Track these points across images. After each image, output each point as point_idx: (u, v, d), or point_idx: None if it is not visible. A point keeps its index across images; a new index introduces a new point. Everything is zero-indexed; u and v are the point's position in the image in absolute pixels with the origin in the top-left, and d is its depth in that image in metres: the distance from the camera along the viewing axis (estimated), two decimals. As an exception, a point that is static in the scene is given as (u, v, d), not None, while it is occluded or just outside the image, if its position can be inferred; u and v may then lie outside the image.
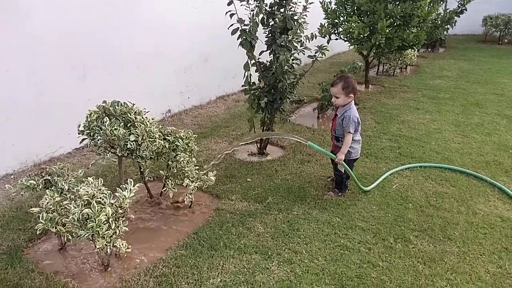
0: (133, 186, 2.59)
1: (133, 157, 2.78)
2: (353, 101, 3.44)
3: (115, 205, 2.46)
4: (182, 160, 3.25)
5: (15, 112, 3.87)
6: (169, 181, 3.36)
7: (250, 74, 4.04)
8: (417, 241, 3.02)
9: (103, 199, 2.42)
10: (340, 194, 3.66)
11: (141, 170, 3.39)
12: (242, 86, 4.09)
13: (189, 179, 3.25)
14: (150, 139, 2.79)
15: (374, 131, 5.25)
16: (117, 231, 2.53)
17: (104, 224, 2.38)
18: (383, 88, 7.51)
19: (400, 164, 4.30)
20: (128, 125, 2.78)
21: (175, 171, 3.35)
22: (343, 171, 3.52)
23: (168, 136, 3.30)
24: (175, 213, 3.35)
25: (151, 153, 2.91)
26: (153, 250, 2.87)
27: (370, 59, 7.52)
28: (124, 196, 2.51)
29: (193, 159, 3.48)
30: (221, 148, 3.43)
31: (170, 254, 2.80)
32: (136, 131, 2.70)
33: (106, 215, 2.38)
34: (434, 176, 4.03)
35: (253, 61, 3.97)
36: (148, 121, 2.90)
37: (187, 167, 3.27)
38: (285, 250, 2.89)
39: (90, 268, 2.67)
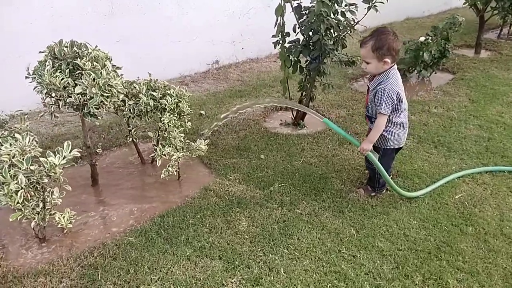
0: (70, 152, 2.07)
1: (82, 113, 2.22)
2: (393, 68, 2.36)
3: (38, 173, 1.96)
4: (167, 123, 2.63)
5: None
6: (160, 146, 2.78)
7: (284, 22, 3.13)
8: (459, 290, 2.01)
9: (19, 165, 1.94)
10: (373, 194, 2.70)
11: (129, 129, 2.87)
12: (273, 36, 3.21)
13: (173, 147, 2.63)
14: (105, 93, 2.19)
15: (461, 112, 3.93)
16: (46, 204, 2.07)
17: (16, 194, 1.92)
18: (499, 56, 5.75)
19: (481, 163, 3.07)
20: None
21: (166, 135, 2.76)
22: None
23: (155, 92, 2.68)
24: (157, 186, 2.80)
25: (132, 111, 2.34)
26: (104, 229, 2.38)
27: (489, 15, 5.75)
28: (53, 163, 2.00)
29: (188, 123, 2.84)
30: (228, 110, 2.71)
31: (116, 239, 2.27)
32: (82, 82, 2.12)
33: (18, 184, 1.91)
34: (527, 190, 2.77)
35: (289, 2, 3.04)
36: (111, 71, 2.29)
37: (172, 132, 2.64)
38: (259, 262, 2.15)
39: (26, 240, 2.28)
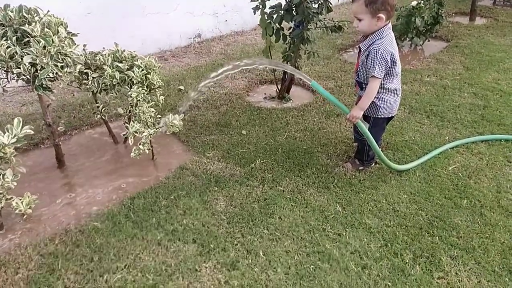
0: (21, 129, 1.85)
1: (34, 86, 1.99)
2: (387, 26, 2.13)
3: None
4: (136, 97, 2.41)
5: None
6: (132, 123, 2.56)
7: (263, -15, 2.88)
8: (453, 267, 1.85)
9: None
10: (361, 168, 2.52)
11: (97, 105, 2.65)
12: (251, 0, 2.96)
13: (143, 123, 2.41)
14: (59, 63, 1.96)
15: (455, 80, 3.72)
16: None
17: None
18: (494, 22, 5.51)
19: (476, 132, 2.89)
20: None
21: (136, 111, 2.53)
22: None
23: (121, 63, 2.45)
24: (129, 166, 2.59)
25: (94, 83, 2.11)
26: (68, 214, 2.18)
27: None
28: (2, 142, 1.79)
29: (160, 97, 2.62)
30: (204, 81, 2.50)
31: (81, 225, 2.08)
32: (31, 50, 1.88)
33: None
34: (525, 159, 2.60)
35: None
36: (66, 38, 2.05)
37: (141, 106, 2.42)
38: (236, 245, 1.97)
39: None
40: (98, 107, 2.63)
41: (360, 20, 2.11)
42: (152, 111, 2.48)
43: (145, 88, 2.46)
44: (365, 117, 2.33)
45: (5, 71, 1.95)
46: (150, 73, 2.48)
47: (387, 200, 2.26)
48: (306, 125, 3.00)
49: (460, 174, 2.46)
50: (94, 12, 3.83)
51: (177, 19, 4.51)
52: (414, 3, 4.18)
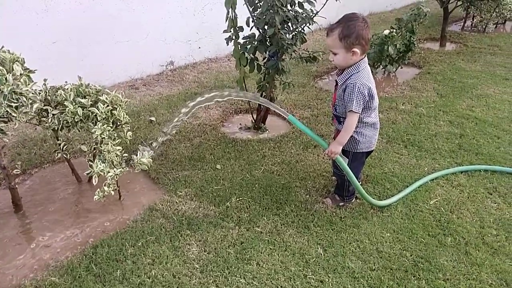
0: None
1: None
2: (363, 60, 2.07)
3: None
4: (100, 135, 2.23)
5: None
6: (96, 161, 2.37)
7: (236, 15, 2.80)
8: (442, 316, 1.73)
9: None
10: (341, 203, 2.41)
11: (58, 142, 2.45)
12: (224, 31, 2.87)
13: (107, 163, 2.23)
14: (13, 103, 1.78)
15: (430, 108, 3.72)
16: None
17: None
18: (464, 48, 5.65)
19: (455, 163, 2.85)
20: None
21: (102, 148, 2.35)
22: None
23: (85, 99, 2.28)
24: (94, 209, 2.39)
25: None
26: (24, 267, 1.97)
27: (452, 6, 5.65)
28: None
29: (128, 133, 2.45)
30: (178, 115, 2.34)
31: (37, 280, 1.87)
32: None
33: None
34: (505, 190, 2.55)
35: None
36: (22, 75, 1.88)
37: (107, 144, 2.25)
38: (210, 298, 1.80)
39: None
40: (59, 144, 2.44)
41: (335, 54, 2.04)
42: (118, 149, 2.31)
43: (111, 125, 2.30)
44: (344, 152, 2.24)
45: None
46: (116, 108, 2.32)
47: (370, 239, 2.15)
48: (283, 158, 2.89)
49: (442, 208, 2.38)
50: (62, 39, 3.66)
51: (148, 46, 4.39)
52: (386, 31, 4.21)
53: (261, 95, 3.23)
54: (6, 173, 2.17)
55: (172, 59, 4.71)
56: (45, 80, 2.38)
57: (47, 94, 2.30)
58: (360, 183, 2.45)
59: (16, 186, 2.28)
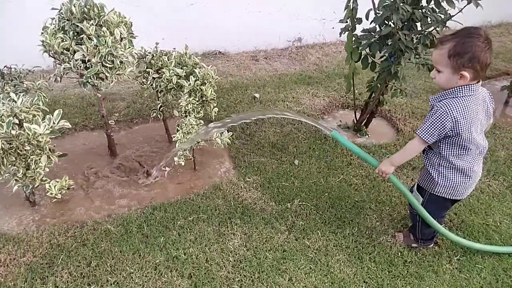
0: (58, 122, 1.91)
1: (81, 83, 2.03)
2: (471, 87, 1.64)
3: (18, 139, 1.85)
4: (185, 106, 2.33)
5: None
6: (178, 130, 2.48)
7: (357, 5, 2.52)
8: None
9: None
10: (414, 245, 2.08)
11: (157, 102, 2.65)
12: (340, 21, 2.62)
13: (185, 134, 2.33)
14: (107, 64, 1.96)
15: None
16: (28, 171, 1.98)
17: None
18: None
19: None
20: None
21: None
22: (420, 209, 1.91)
23: (181, 69, 2.38)
24: (169, 172, 2.54)
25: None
26: (94, 206, 2.24)
27: None
28: (34, 130, 1.86)
29: (214, 109, 2.49)
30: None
31: (97, 222, 2.10)
32: (82, 48, 1.90)
33: (-6, 148, 1.82)
34: None
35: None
36: (124, 38, 2.04)
37: (190, 117, 2.33)
38: (229, 296, 1.78)
39: (20, 203, 2.24)
40: (158, 105, 2.64)
41: (439, 71, 1.67)
42: (201, 123, 2.37)
43: (197, 99, 2.37)
44: (420, 189, 1.91)
45: (58, 63, 2.02)
46: (205, 84, 2.37)
47: (428, 298, 1.82)
48: (369, 171, 2.60)
49: (545, 294, 1.86)
50: (184, 9, 3.87)
51: (280, 19, 4.33)
52: None
53: (370, 96, 2.92)
54: (105, 121, 2.45)
55: (301, 35, 4.59)
56: (156, 43, 2.56)
57: (153, 57, 2.48)
58: (443, 226, 2.07)
59: (112, 134, 2.56)
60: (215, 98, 2.43)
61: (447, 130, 1.64)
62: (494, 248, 2.04)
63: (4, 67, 2.22)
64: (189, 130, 2.31)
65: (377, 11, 2.44)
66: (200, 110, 2.40)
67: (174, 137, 2.37)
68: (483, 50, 1.55)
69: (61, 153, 2.16)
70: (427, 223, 1.91)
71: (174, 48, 2.57)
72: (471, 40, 1.56)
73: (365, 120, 3.04)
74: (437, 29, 2.32)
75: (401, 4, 2.14)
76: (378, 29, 2.55)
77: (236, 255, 1.98)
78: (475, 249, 2.03)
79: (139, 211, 2.20)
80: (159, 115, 2.65)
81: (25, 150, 1.90)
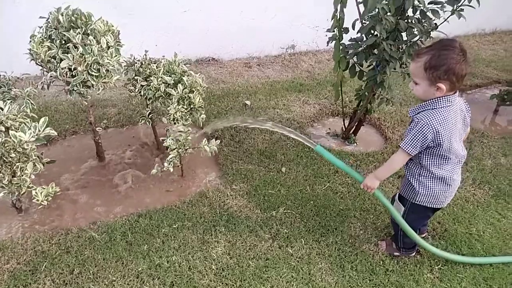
0: (43, 129, 1.93)
1: (67, 91, 2.06)
2: (448, 98, 1.66)
3: (4, 147, 1.87)
4: (173, 114, 2.35)
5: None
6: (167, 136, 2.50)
7: (343, 15, 2.55)
8: None
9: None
10: (396, 254, 2.10)
11: (146, 109, 2.67)
12: (327, 30, 2.65)
13: (174, 141, 2.35)
14: (93, 72, 1.98)
15: None
16: (14, 178, 2.00)
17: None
18: None
19: None
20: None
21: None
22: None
23: (170, 77, 2.41)
24: (156, 178, 2.56)
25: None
26: (79, 214, 2.26)
27: None
28: (19, 138, 1.88)
29: (201, 116, 2.52)
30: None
31: (82, 229, 2.12)
32: (67, 56, 1.93)
33: (-21, 156, 1.84)
34: None
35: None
36: (110, 47, 2.06)
37: (178, 124, 2.35)
38: (209, 304, 1.79)
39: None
40: (148, 113, 2.66)
41: (416, 83, 1.69)
42: (188, 130, 2.39)
43: (185, 106, 2.39)
44: (402, 199, 1.93)
45: (45, 70, 2.04)
46: (193, 92, 2.39)
47: (407, 308, 1.83)
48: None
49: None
50: (192, 9, 3.91)
51: (273, 26, 4.36)
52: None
53: (358, 104, 2.94)
54: (93, 128, 2.47)
55: (294, 42, 4.62)
56: (146, 51, 2.59)
57: (142, 65, 2.50)
58: (423, 237, 2.10)
59: (100, 141, 2.58)
60: (203, 106, 2.46)
61: (429, 141, 1.66)
62: (473, 259, 2.05)
63: (-7, 74, 2.24)
64: (177, 137, 2.33)
65: (363, 21, 2.47)
66: (188, 117, 2.43)
67: (164, 141, 2.39)
68: (458, 62, 1.58)
69: (49, 160, 2.19)
70: (406, 233, 1.93)
71: (163, 56, 2.60)
72: (446, 52, 1.58)
73: (353, 128, 3.06)
74: (421, 39, 2.34)
75: (386, 15, 2.16)
76: (364, 38, 2.58)
77: (219, 263, 1.99)
78: (456, 261, 2.04)
79: (124, 218, 2.22)
80: (147, 122, 2.67)
81: (10, 157, 1.92)
